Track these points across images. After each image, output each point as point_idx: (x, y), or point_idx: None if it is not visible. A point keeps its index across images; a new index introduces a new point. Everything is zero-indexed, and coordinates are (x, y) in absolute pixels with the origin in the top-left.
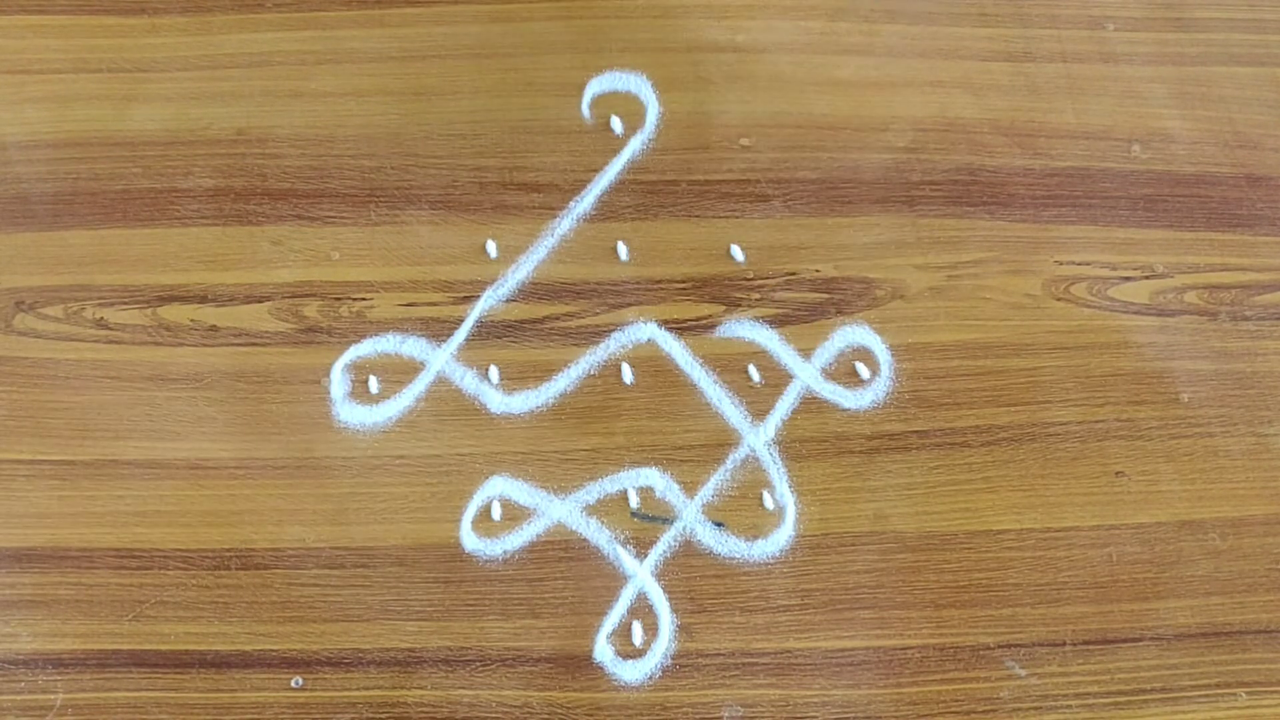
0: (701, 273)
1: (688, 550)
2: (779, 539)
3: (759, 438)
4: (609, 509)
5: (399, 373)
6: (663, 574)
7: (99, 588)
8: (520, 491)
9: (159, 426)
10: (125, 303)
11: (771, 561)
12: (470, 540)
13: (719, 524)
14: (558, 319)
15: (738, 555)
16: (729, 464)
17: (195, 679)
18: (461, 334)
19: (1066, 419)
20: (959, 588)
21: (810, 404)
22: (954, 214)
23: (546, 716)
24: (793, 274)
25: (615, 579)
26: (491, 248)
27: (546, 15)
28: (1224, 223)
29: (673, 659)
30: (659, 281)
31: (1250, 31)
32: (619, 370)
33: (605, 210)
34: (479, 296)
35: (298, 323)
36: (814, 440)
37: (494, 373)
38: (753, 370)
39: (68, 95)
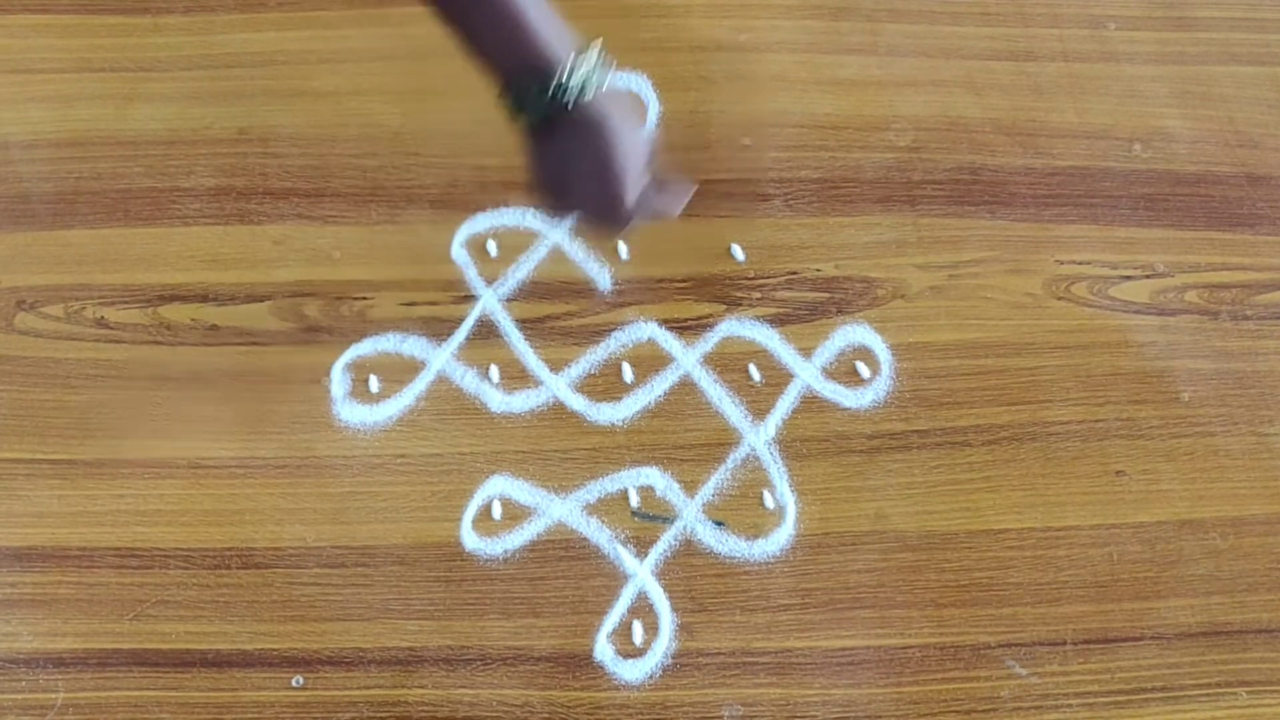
0: (702, 272)
1: (688, 550)
2: (779, 538)
3: (759, 437)
4: (609, 508)
5: (399, 372)
6: (663, 573)
7: (99, 587)
8: (521, 491)
9: (159, 426)
10: (126, 302)
11: (772, 561)
12: (471, 539)
13: (719, 523)
14: (558, 319)
15: (738, 555)
16: (729, 463)
17: (196, 678)
18: (462, 333)
19: (1067, 418)
20: (959, 587)
21: (811, 403)
22: (955, 213)
23: (547, 716)
24: (793, 273)
25: (616, 578)
26: (492, 247)
27: None
28: (1225, 222)
29: (673, 658)
30: (659, 281)
31: (1250, 31)
32: (619, 370)
33: None
34: (479, 296)
35: (298, 322)
36: (814, 440)
37: (494, 372)
38: (753, 369)
39: (70, 95)
